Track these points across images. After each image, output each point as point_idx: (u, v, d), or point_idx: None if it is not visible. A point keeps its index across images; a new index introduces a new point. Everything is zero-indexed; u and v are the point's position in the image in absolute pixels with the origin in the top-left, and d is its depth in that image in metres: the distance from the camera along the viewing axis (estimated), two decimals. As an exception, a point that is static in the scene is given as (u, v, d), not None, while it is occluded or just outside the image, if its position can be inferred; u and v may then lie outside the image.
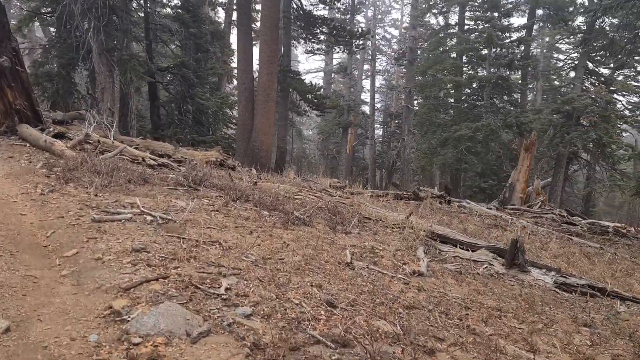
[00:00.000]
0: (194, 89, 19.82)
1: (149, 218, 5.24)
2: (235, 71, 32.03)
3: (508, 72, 26.73)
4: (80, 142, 9.28)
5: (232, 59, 31.03)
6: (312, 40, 21.67)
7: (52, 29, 21.57)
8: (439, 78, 33.84)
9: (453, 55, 32.78)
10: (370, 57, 48.74)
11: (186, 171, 8.54)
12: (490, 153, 27.50)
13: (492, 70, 28.30)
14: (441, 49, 33.00)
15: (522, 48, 30.43)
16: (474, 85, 28.25)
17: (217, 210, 6.35)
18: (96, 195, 6.01)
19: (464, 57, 31.87)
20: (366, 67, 59.13)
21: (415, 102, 38.93)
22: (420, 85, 33.23)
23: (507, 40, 27.95)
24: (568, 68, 33.99)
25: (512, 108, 26.83)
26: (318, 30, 20.16)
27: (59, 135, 10.47)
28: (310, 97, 18.77)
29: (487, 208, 14.90)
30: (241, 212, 6.52)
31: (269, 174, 14.46)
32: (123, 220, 4.98)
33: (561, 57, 46.91)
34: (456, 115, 29.02)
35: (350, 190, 11.05)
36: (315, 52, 24.04)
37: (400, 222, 7.14)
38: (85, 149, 9.30)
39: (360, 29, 23.30)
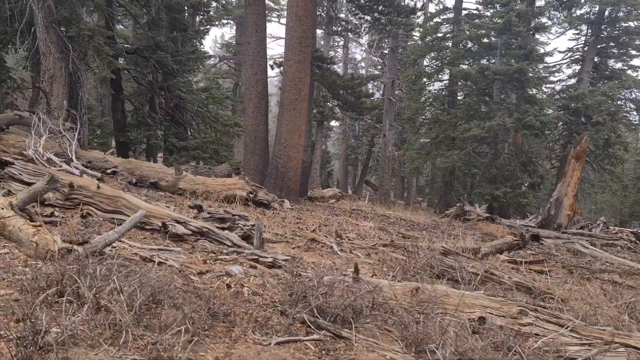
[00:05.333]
0: (173, 79, 15.09)
1: None
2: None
3: (527, 65, 23.32)
4: (39, 193, 4.74)
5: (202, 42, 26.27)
6: (358, 16, 16.85)
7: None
8: (434, 68, 30.25)
9: (448, 43, 29.25)
10: (342, 42, 44.59)
11: (289, 270, 4.23)
12: (503, 156, 24.25)
13: (504, 60, 24.97)
14: (434, 36, 29.26)
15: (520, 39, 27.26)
16: (485, 78, 24.69)
17: None
18: None
19: (460, 46, 28.39)
20: (332, 53, 55.03)
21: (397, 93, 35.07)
22: (412, 75, 29.32)
23: (523, 28, 24.50)
24: (569, 60, 31.36)
25: (528, 105, 23.52)
26: (364, 4, 15.38)
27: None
28: (343, 93, 14.25)
29: (591, 244, 11.34)
30: None
31: (300, 202, 10.29)
32: None
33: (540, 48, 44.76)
34: (462, 112, 25.46)
35: (468, 248, 7.10)
36: (341, 33, 19.29)
37: None
38: (49, 203, 4.78)
39: (414, 3, 18.88)
